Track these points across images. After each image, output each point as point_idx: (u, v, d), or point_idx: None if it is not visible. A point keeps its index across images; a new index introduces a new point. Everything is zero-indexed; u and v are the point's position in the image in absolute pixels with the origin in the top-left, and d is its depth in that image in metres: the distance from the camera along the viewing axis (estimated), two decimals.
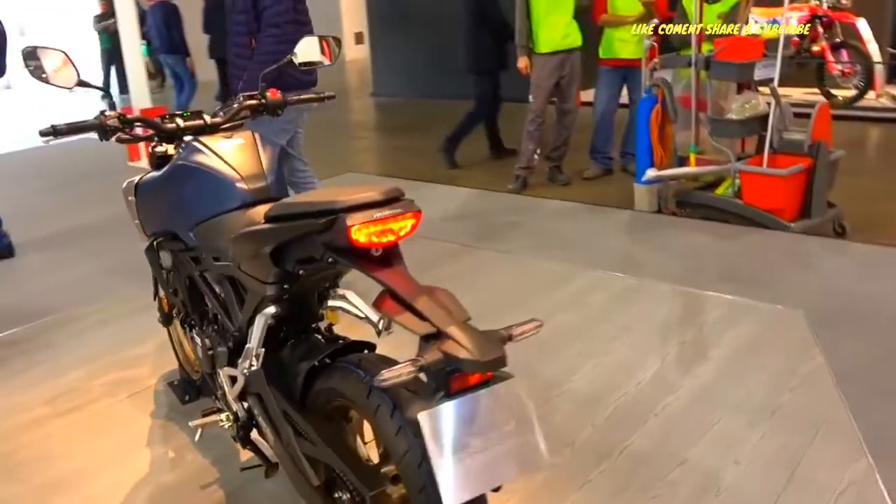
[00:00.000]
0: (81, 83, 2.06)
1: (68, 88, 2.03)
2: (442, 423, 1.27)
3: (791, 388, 2.66)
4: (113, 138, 2.07)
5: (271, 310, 1.75)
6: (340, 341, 1.80)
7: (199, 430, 2.13)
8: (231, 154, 1.96)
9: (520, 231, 4.47)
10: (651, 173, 4.76)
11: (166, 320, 2.57)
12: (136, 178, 2.29)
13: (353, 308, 1.68)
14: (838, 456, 2.30)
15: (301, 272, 1.68)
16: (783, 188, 4.29)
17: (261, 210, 1.76)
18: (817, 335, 2.99)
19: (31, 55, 1.96)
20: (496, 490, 1.35)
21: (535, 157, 5.68)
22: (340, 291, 1.76)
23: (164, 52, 9.13)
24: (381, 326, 1.59)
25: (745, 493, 2.17)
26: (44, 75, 1.98)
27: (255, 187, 1.90)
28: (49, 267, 4.32)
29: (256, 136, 2.05)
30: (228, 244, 1.80)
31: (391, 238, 1.45)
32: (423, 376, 1.31)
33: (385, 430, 1.44)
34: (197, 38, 9.02)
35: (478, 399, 1.31)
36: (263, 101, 2.23)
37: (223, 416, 2.03)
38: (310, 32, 3.23)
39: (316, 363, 1.70)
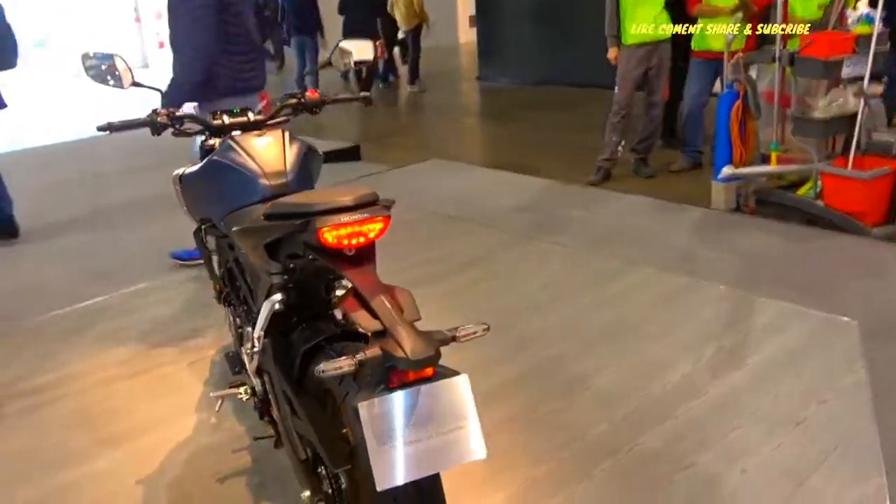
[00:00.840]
0: (135, 84, 2.30)
1: (122, 88, 2.27)
2: (378, 413, 1.37)
3: (822, 400, 2.60)
4: (168, 132, 2.32)
5: (277, 297, 1.89)
6: (339, 329, 1.95)
7: (220, 401, 2.34)
8: (258, 151, 2.13)
9: (583, 225, 4.48)
10: (727, 171, 4.64)
11: (217, 297, 2.82)
12: (181, 170, 2.52)
13: None
14: (853, 472, 2.25)
15: (292, 266, 1.83)
16: (865, 191, 4.09)
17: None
18: (867, 348, 2.89)
19: (86, 57, 2.20)
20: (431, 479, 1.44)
21: (619, 149, 5.64)
22: (346, 282, 1.85)
23: (299, 33, 9.64)
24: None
25: (742, 502, 2.17)
26: (100, 77, 2.22)
27: (276, 183, 2.06)
28: (141, 238, 4.71)
29: (286, 134, 2.21)
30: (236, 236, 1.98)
31: (361, 240, 1.55)
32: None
33: (348, 414, 1.58)
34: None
35: (415, 394, 1.39)
36: (302, 100, 2.40)
37: (242, 389, 2.24)
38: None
39: (309, 347, 1.86)
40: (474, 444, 1.42)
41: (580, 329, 3.13)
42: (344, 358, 1.41)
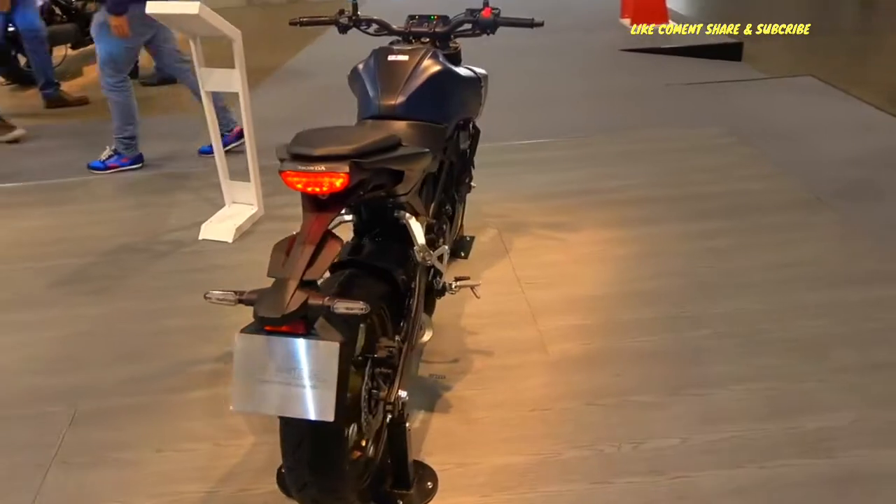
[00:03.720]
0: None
1: None
2: (242, 347, 1.52)
3: None
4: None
5: (346, 217, 2.09)
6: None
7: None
8: (386, 68, 2.26)
9: None
10: None
11: None
12: (358, 64, 2.44)
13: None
14: None
15: None
16: None
17: (386, 124, 2.16)
18: None
19: None
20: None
21: None
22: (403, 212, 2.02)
23: None
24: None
25: None
26: None
27: (386, 104, 2.21)
28: None
29: (425, 56, 2.28)
30: None
31: (317, 189, 1.59)
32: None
33: None
34: None
35: (278, 343, 1.50)
36: (475, 19, 2.42)
37: None
38: None
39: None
40: (322, 406, 1.49)
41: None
42: (229, 291, 1.55)
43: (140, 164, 4.45)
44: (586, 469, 2.05)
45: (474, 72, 2.56)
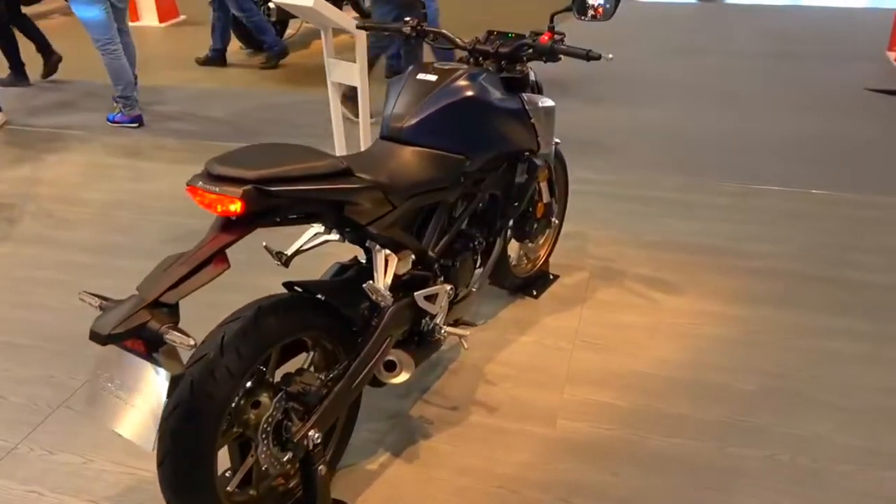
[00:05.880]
0: None
1: None
2: (100, 351, 1.50)
3: None
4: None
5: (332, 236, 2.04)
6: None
7: None
8: (411, 87, 2.11)
9: None
10: None
11: None
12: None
13: None
14: None
15: None
16: None
17: (392, 147, 2.01)
18: None
19: None
20: None
21: None
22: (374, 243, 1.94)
23: None
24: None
25: None
26: None
27: (394, 125, 2.06)
28: None
29: (459, 79, 2.09)
30: None
31: (218, 209, 1.52)
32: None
33: None
34: None
35: (119, 356, 1.49)
36: (534, 43, 2.24)
37: None
38: None
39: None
40: (142, 433, 1.45)
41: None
42: (96, 296, 1.52)
43: (137, 125, 4.95)
44: None
45: (531, 102, 2.31)
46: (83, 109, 5.45)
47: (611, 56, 2.07)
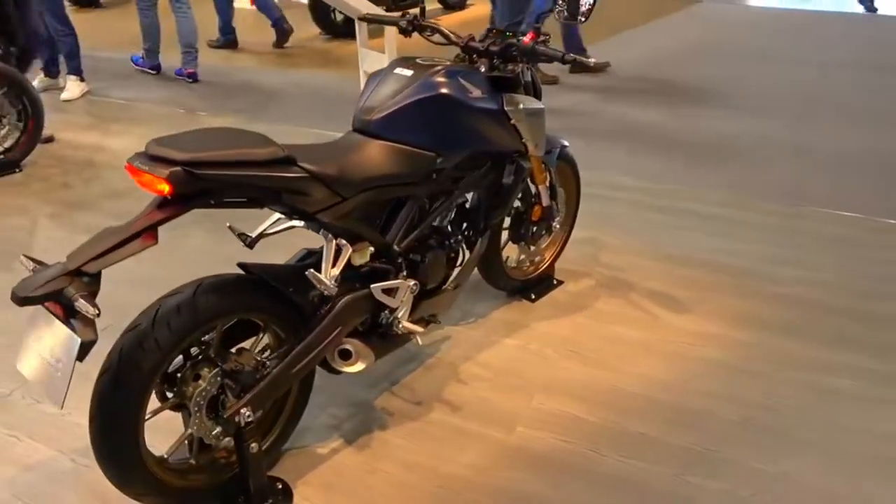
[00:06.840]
0: None
1: None
2: (33, 310, 1.59)
3: None
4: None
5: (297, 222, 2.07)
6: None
7: None
8: (386, 81, 2.11)
9: None
10: None
11: None
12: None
13: None
14: None
15: None
16: None
17: (357, 140, 2.03)
18: None
19: None
20: None
21: None
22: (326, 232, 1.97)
23: None
24: None
25: None
26: None
27: (363, 118, 2.07)
28: None
29: (435, 75, 2.08)
30: None
31: (150, 187, 1.58)
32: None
33: None
34: None
35: (45, 317, 1.57)
36: (517, 43, 2.24)
37: None
38: None
39: None
40: (54, 391, 1.54)
41: None
42: (34, 262, 1.60)
43: (156, 72, 5.94)
44: None
45: (512, 102, 2.27)
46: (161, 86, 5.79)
47: (592, 60, 2.02)
